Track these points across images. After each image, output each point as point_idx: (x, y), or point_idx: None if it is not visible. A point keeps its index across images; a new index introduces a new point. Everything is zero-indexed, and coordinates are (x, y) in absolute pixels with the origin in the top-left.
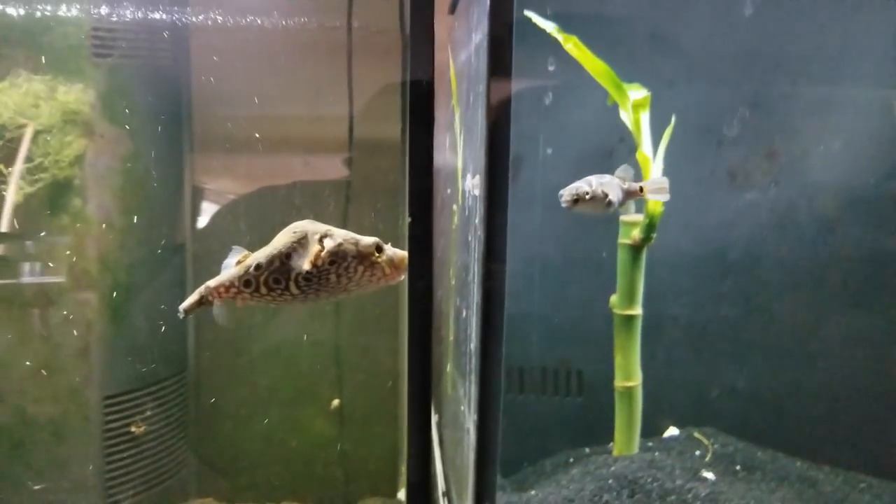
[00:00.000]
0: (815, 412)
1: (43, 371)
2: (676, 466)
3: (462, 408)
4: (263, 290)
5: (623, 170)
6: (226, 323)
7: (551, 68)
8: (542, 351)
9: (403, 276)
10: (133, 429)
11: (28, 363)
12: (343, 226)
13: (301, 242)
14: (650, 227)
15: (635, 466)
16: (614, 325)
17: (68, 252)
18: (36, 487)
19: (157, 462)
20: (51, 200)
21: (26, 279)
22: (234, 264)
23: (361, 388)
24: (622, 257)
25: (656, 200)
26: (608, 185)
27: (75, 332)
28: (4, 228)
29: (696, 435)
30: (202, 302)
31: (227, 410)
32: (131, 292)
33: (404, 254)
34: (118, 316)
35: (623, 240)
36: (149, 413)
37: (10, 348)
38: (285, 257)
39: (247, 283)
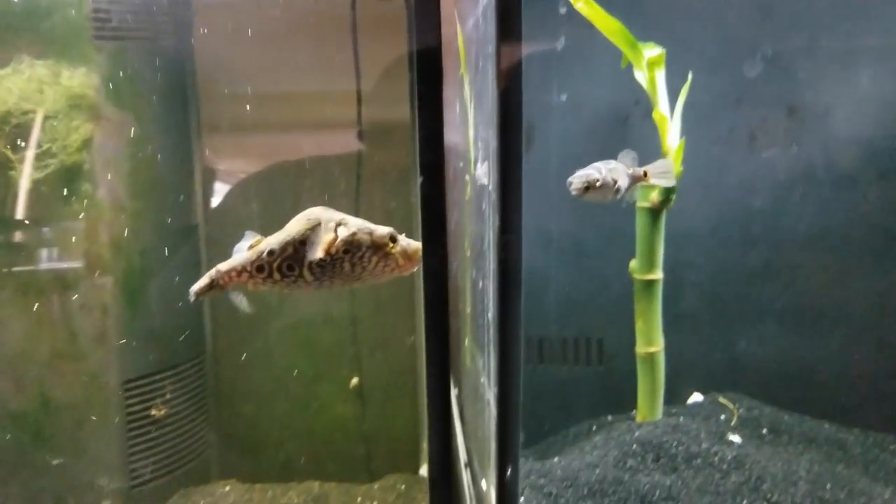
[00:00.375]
0: (842, 374)
1: (61, 357)
2: (702, 430)
3: (482, 379)
4: (276, 276)
5: (626, 154)
6: (245, 308)
7: (562, 33)
8: (561, 321)
9: (416, 268)
10: (153, 412)
11: (46, 350)
12: (355, 204)
13: (315, 230)
14: (670, 189)
15: (659, 431)
16: (635, 291)
17: (81, 238)
18: (55, 462)
19: (179, 445)
20: (60, 186)
21: (40, 266)
22: (246, 248)
23: (380, 366)
24: (641, 221)
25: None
26: (616, 171)
27: (92, 318)
28: (20, 215)
29: (721, 400)
30: (213, 286)
31: (246, 392)
32: (146, 276)
33: (418, 245)
34: (134, 300)
35: (642, 203)
36: (168, 396)
37: (28, 336)
38: (299, 244)
39: (259, 269)
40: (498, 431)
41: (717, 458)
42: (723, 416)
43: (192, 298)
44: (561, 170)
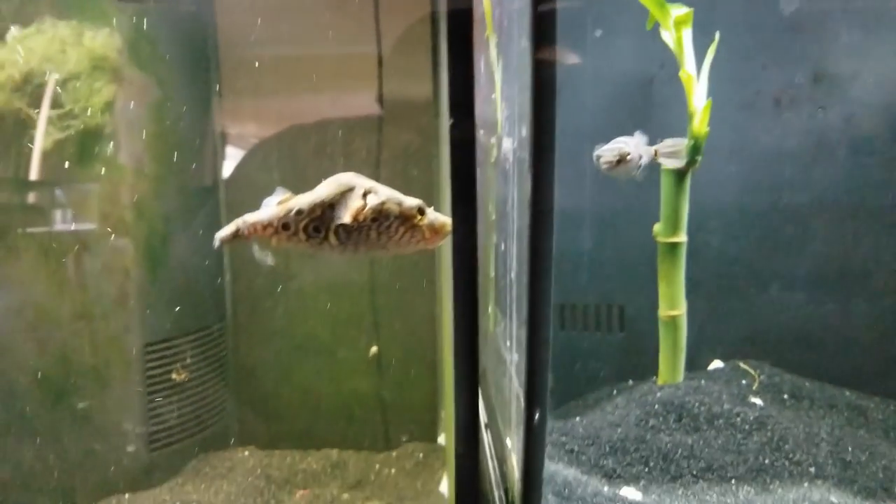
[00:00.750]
0: (865, 342)
1: (83, 319)
2: (723, 393)
3: (505, 343)
4: (302, 235)
5: (638, 135)
6: (268, 262)
7: None
8: (583, 287)
9: (442, 242)
10: (174, 376)
11: (68, 312)
12: (376, 171)
13: (345, 195)
14: (695, 150)
15: (681, 393)
16: (658, 254)
17: (103, 200)
18: (80, 405)
19: (198, 410)
20: (82, 148)
21: (62, 227)
22: (275, 203)
23: (399, 335)
24: (666, 183)
25: (699, 127)
26: (640, 147)
27: (113, 281)
28: (42, 176)
29: (742, 366)
30: (237, 235)
31: (266, 359)
32: (167, 240)
33: (446, 219)
34: (155, 264)
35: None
36: (189, 361)
37: (49, 297)
38: (328, 207)
39: (285, 226)
40: (527, 374)
41: (739, 419)
42: (744, 381)
43: (216, 244)
44: (584, 135)
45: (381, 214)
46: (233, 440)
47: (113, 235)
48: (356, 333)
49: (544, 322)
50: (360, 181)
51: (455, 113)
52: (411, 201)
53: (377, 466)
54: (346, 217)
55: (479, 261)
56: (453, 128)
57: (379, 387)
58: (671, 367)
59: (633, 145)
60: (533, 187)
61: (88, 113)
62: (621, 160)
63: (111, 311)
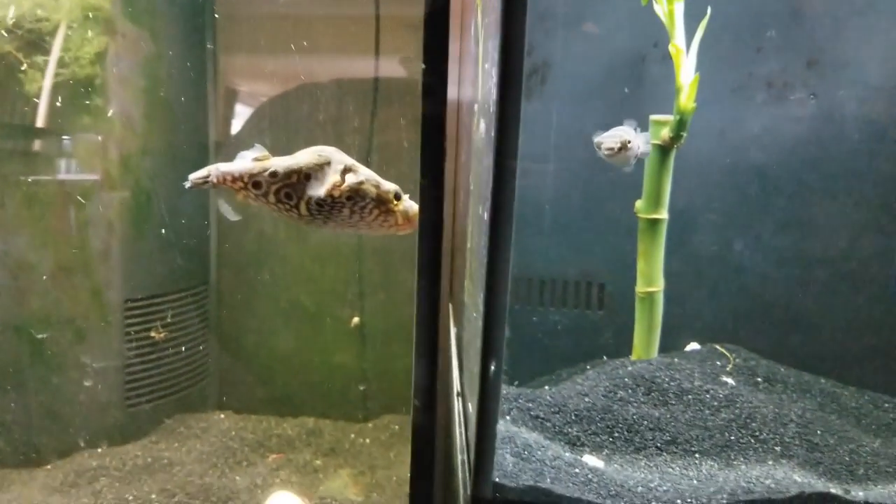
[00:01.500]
0: (846, 330)
1: (65, 271)
2: (696, 371)
3: (474, 313)
4: (272, 198)
5: (628, 125)
6: (230, 216)
7: None
8: (563, 263)
9: (414, 230)
10: (153, 334)
11: (50, 263)
12: (368, 142)
13: (323, 168)
14: (681, 125)
15: (653, 368)
16: (639, 230)
17: (90, 152)
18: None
19: (177, 370)
20: (72, 99)
21: (46, 177)
22: (250, 158)
23: (382, 308)
24: (651, 158)
25: (686, 102)
26: (639, 136)
27: (97, 234)
28: (29, 123)
29: (718, 348)
30: (207, 180)
31: (248, 324)
32: (153, 197)
33: (416, 209)
34: (140, 220)
35: (652, 140)
36: (169, 320)
37: (31, 248)
38: (304, 176)
39: (256, 185)
40: (483, 325)
41: (708, 396)
42: (719, 363)
43: (187, 184)
44: (574, 109)
45: (357, 194)
46: (210, 404)
47: (99, 188)
48: (340, 303)
49: (502, 271)
50: (341, 157)
51: (427, 83)
52: (389, 185)
53: (352, 436)
54: (321, 190)
55: (454, 232)
56: (425, 96)
57: (360, 358)
58: (645, 344)
59: (633, 134)
60: (496, 141)
61: (79, 63)
62: (623, 147)
63: (93, 265)
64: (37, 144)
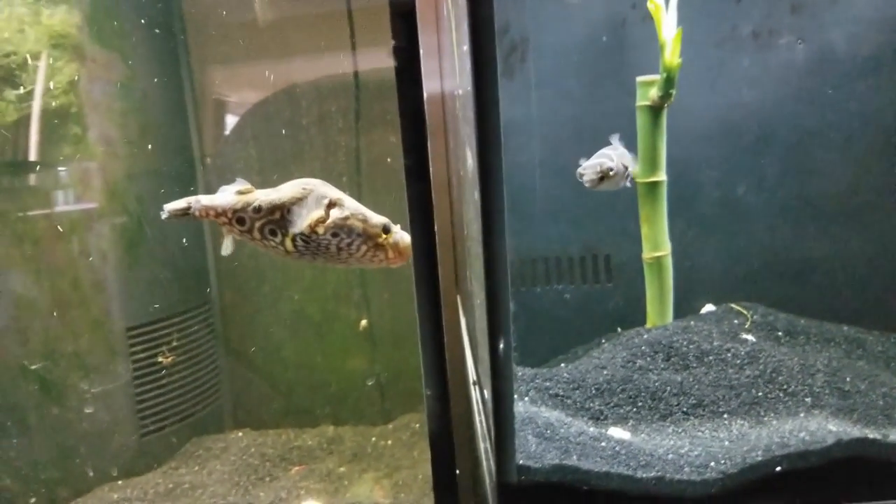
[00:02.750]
0: (862, 276)
1: (63, 306)
2: (714, 331)
3: (478, 300)
4: (257, 234)
5: (616, 142)
6: (225, 250)
7: None
8: (565, 239)
9: (403, 262)
10: (160, 359)
11: (48, 299)
12: (356, 140)
13: (307, 201)
14: (668, 83)
15: (669, 333)
16: (639, 196)
17: (74, 183)
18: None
19: (189, 393)
20: (49, 129)
21: (34, 213)
22: (233, 192)
23: (388, 307)
24: (642, 121)
25: (671, 59)
26: (624, 156)
27: (91, 265)
28: (7, 158)
29: (735, 307)
30: (187, 212)
31: (255, 339)
32: (143, 223)
33: (409, 241)
34: (133, 247)
35: (641, 102)
36: (175, 344)
37: (26, 286)
38: (287, 211)
39: (240, 221)
40: (487, 302)
41: (730, 355)
42: (736, 321)
43: (164, 215)
44: (559, 82)
45: (342, 230)
46: (226, 424)
47: (87, 219)
48: (345, 307)
49: (500, 246)
50: (326, 190)
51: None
52: (377, 219)
53: (373, 439)
54: (303, 226)
55: (453, 223)
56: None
57: (372, 360)
58: (659, 310)
59: (616, 156)
60: (477, 117)
61: (51, 93)
62: (604, 177)
63: (90, 297)
64: (17, 179)
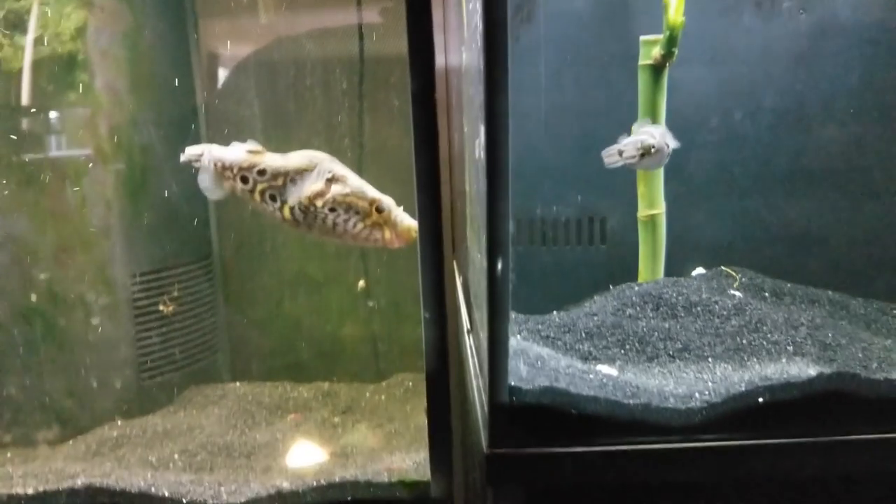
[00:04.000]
0: (851, 244)
1: (67, 251)
2: (703, 287)
3: (477, 255)
4: (257, 196)
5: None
6: (209, 195)
7: None
8: (563, 201)
9: (405, 244)
10: (161, 307)
11: (52, 244)
12: (359, 102)
13: (311, 174)
14: (671, 41)
15: (659, 286)
16: None
17: (80, 129)
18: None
19: (188, 343)
20: (56, 76)
21: (40, 157)
22: (244, 150)
23: (386, 267)
24: (643, 79)
25: (674, 17)
26: (666, 134)
27: (96, 212)
28: (15, 103)
29: (725, 269)
30: (201, 157)
31: (255, 295)
32: (147, 172)
33: (412, 223)
34: (136, 195)
35: (644, 61)
36: (177, 294)
37: (33, 230)
38: (290, 180)
39: (244, 179)
40: (488, 221)
41: (717, 306)
42: (725, 281)
43: (182, 161)
44: (563, 44)
45: (340, 205)
46: (225, 376)
47: (93, 166)
48: (345, 267)
49: (503, 165)
50: (332, 165)
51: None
52: (377, 198)
53: (367, 395)
54: (301, 196)
55: (451, 188)
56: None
57: (369, 320)
58: (650, 268)
59: (659, 134)
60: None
61: (59, 39)
62: (645, 153)
63: (94, 242)
64: (24, 124)
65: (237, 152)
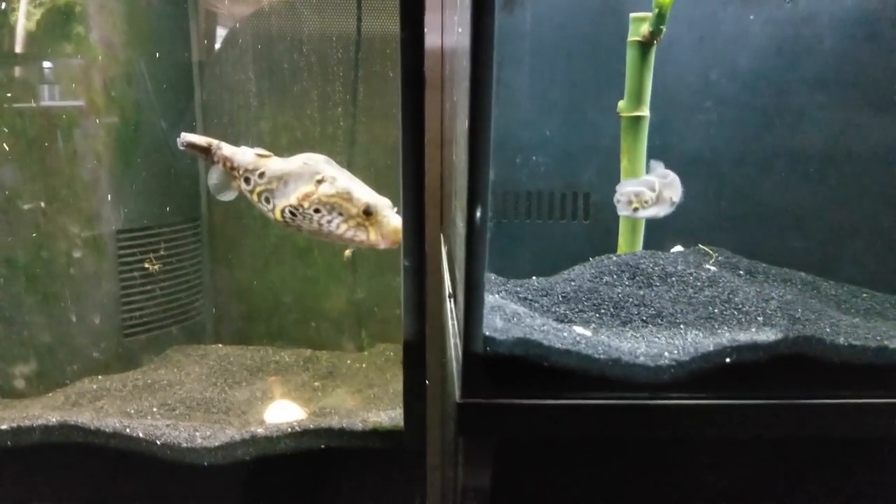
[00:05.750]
0: (830, 228)
1: (54, 203)
2: (679, 260)
3: (460, 223)
4: (255, 197)
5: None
6: (215, 192)
7: None
8: (548, 175)
9: (390, 246)
10: (147, 265)
11: (40, 195)
12: (354, 71)
13: (302, 176)
14: (660, 19)
15: (637, 257)
16: (622, 130)
17: (74, 82)
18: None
19: (172, 303)
20: (52, 27)
21: (32, 107)
22: (253, 153)
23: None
24: (631, 56)
25: None
26: (671, 185)
27: (85, 165)
28: (10, 51)
29: (702, 247)
30: (205, 150)
31: (243, 260)
32: (139, 128)
33: (397, 225)
34: (127, 151)
35: (632, 37)
36: (163, 252)
37: (20, 181)
38: (283, 183)
39: (247, 180)
40: (469, 169)
41: (692, 278)
42: (702, 258)
43: (181, 144)
44: (554, 19)
45: (324, 206)
46: (208, 338)
47: (84, 118)
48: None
49: (484, 116)
50: (325, 167)
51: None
52: (362, 199)
53: (349, 362)
54: (292, 198)
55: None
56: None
57: (353, 290)
58: (630, 241)
59: (660, 185)
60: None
61: None
62: (638, 208)
63: (83, 196)
64: (18, 73)
65: (245, 155)
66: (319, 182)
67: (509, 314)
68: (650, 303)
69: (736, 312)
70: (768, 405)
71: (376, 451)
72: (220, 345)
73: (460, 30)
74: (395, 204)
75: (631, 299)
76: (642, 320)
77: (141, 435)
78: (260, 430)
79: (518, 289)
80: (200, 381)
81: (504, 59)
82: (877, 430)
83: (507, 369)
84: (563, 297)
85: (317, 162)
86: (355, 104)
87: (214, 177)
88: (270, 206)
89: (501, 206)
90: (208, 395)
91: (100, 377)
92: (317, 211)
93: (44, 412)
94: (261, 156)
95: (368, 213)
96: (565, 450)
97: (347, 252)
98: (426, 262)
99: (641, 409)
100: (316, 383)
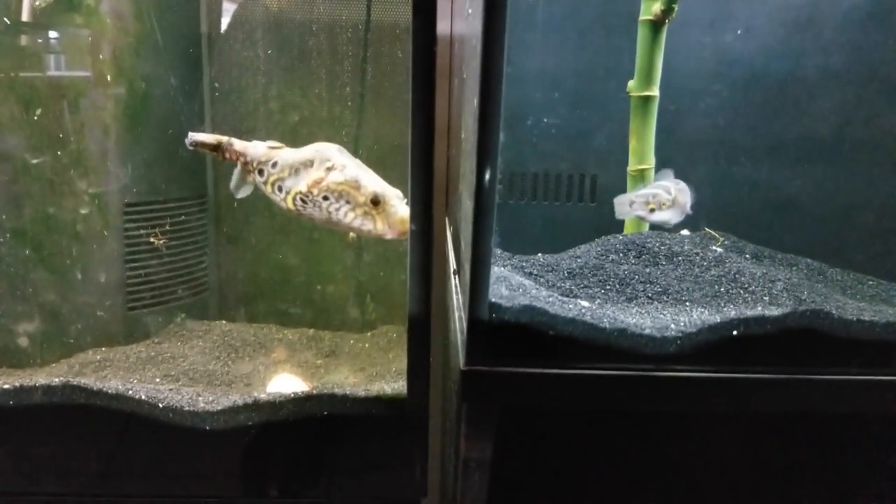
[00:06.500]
0: (835, 216)
1: (61, 174)
2: (686, 242)
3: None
4: (269, 188)
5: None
6: (234, 191)
7: None
8: (556, 157)
9: (397, 237)
10: (152, 239)
11: (46, 166)
12: (364, 48)
13: (313, 164)
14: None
15: (643, 237)
16: (631, 110)
17: (83, 51)
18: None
19: (177, 278)
20: None
21: (40, 76)
22: (265, 147)
23: None
24: (642, 35)
25: None
26: (683, 192)
27: (93, 136)
28: (17, 18)
29: (709, 231)
30: (215, 149)
31: (248, 239)
32: (147, 102)
33: (405, 215)
34: (135, 124)
35: (644, 17)
36: (168, 228)
37: (28, 150)
38: (294, 171)
39: (261, 172)
40: (478, 132)
41: (698, 258)
42: (709, 241)
43: (188, 143)
44: (561, 2)
45: (332, 194)
46: (211, 315)
47: (92, 89)
48: None
49: (495, 79)
50: (335, 155)
51: None
52: (369, 188)
53: (352, 342)
54: (301, 185)
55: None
56: None
57: (357, 272)
58: (637, 223)
59: (675, 190)
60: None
61: None
62: (654, 209)
63: (91, 167)
64: (26, 41)
65: (258, 148)
66: (329, 169)
67: (515, 285)
68: (656, 280)
69: (742, 291)
70: (776, 380)
71: (378, 418)
72: (224, 321)
73: (470, 10)
74: (404, 195)
75: (637, 276)
76: (648, 297)
77: (143, 397)
78: (262, 396)
79: (524, 264)
80: (204, 354)
81: (511, 40)
82: (883, 406)
83: (511, 337)
84: (568, 273)
85: (327, 151)
86: (364, 79)
87: (234, 178)
88: (283, 195)
89: (508, 187)
90: (211, 367)
91: (103, 349)
92: (325, 198)
93: (47, 380)
94: (273, 147)
95: (376, 202)
96: (567, 419)
97: (352, 234)
98: (433, 225)
99: (646, 381)
100: (319, 361)
